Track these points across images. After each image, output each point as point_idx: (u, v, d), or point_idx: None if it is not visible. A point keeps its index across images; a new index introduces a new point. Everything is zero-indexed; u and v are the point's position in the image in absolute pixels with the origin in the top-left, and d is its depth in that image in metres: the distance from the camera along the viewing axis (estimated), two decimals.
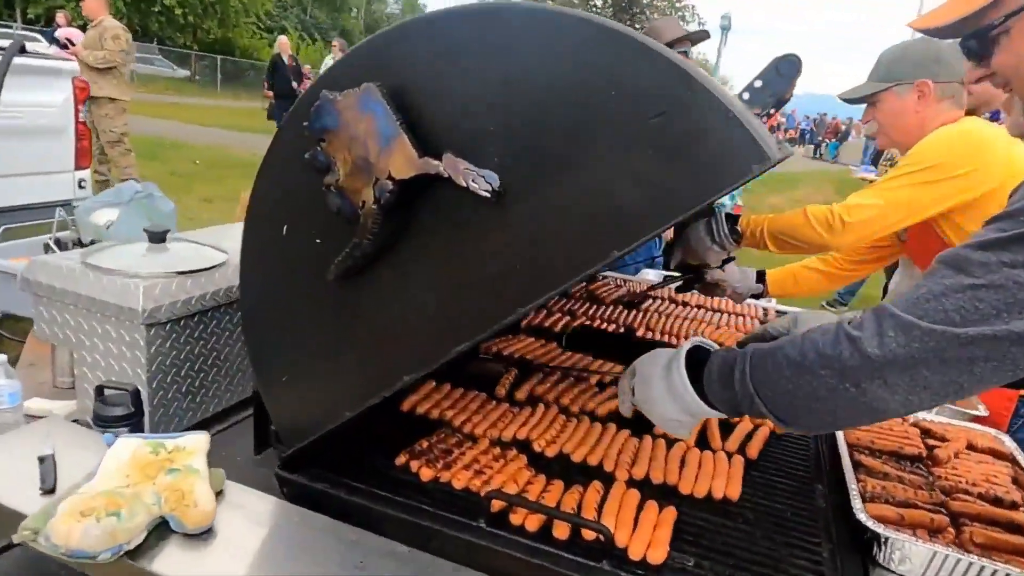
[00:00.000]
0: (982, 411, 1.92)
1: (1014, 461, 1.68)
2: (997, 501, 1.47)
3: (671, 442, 1.59)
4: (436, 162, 1.04)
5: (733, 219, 2.03)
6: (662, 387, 1.19)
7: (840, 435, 1.63)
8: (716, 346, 1.23)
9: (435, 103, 1.10)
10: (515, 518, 1.24)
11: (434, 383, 1.77)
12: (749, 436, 1.67)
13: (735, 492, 1.42)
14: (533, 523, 1.23)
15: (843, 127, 35.32)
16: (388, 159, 1.06)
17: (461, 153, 1.06)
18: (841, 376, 0.94)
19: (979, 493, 1.49)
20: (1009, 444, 1.72)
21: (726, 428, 1.71)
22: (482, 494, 1.26)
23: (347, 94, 1.07)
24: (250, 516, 1.26)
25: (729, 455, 1.57)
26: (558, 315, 2.49)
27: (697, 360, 1.17)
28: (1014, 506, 1.47)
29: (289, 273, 1.28)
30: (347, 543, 1.20)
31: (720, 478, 1.44)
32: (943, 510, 1.40)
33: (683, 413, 1.18)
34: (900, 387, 0.90)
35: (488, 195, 1.04)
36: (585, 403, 1.77)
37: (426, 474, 1.35)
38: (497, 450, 1.48)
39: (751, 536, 1.31)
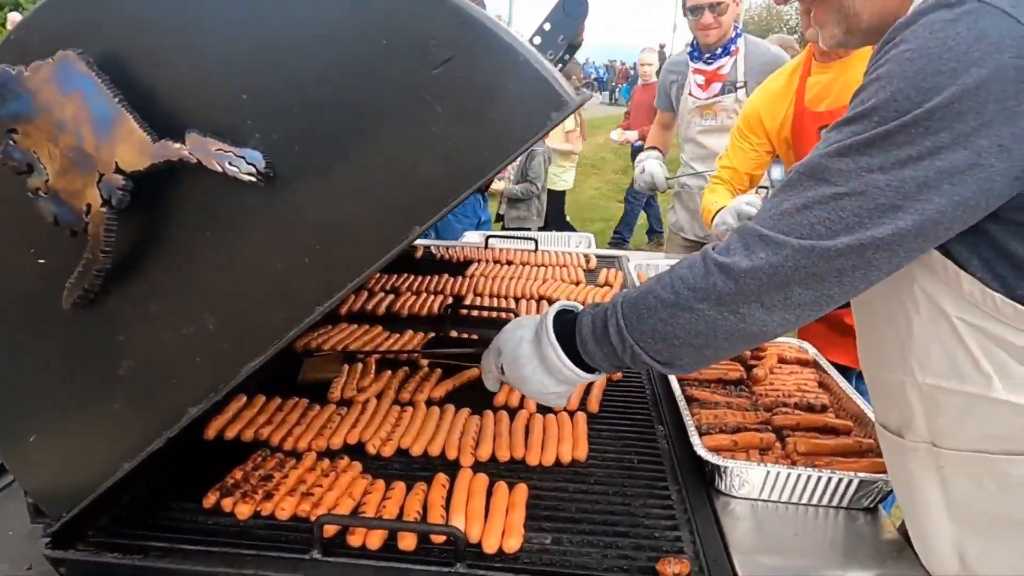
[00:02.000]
0: None
1: (816, 366, 1.83)
2: (810, 408, 1.58)
3: (512, 413, 1.52)
4: (178, 145, 0.83)
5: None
6: (535, 362, 1.12)
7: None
8: (579, 306, 1.15)
9: (168, 71, 0.88)
10: (354, 539, 1.10)
11: (244, 398, 1.54)
12: (587, 390, 1.66)
13: (582, 453, 1.39)
14: (375, 540, 1.10)
15: (631, 72, 37.74)
16: (112, 148, 0.83)
17: (212, 132, 0.86)
18: (718, 306, 0.92)
19: (795, 403, 1.59)
20: (812, 351, 1.87)
21: None
22: (312, 520, 1.10)
23: (36, 67, 0.81)
24: None
25: (571, 413, 1.54)
26: (380, 295, 2.33)
27: (562, 325, 1.11)
28: (824, 409, 1.60)
29: (9, 307, 1.00)
30: None
31: (566, 442, 1.40)
32: (768, 427, 1.48)
33: (560, 384, 1.13)
34: (776, 307, 0.89)
35: (254, 179, 0.85)
36: (419, 388, 1.65)
37: (243, 511, 1.16)
38: (326, 463, 1.31)
39: (604, 495, 1.29)
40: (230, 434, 1.42)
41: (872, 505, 1.32)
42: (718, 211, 2.21)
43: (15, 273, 0.97)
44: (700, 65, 3.24)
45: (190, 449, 1.39)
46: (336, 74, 0.85)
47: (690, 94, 3.32)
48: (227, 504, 1.17)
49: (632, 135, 6.84)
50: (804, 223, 0.86)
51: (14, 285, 0.97)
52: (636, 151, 7.05)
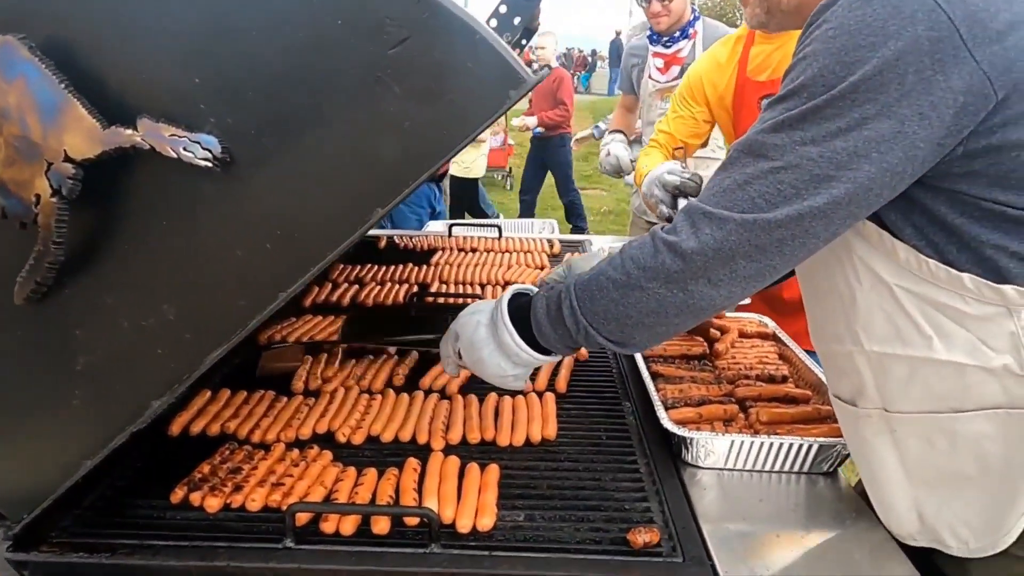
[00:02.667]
0: (746, 299, 2.12)
1: (776, 338, 1.88)
2: (771, 379, 1.63)
3: (482, 396, 1.53)
4: (129, 132, 0.82)
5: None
6: (491, 346, 1.13)
7: None
8: (534, 289, 1.17)
9: (115, 55, 0.86)
10: (327, 526, 1.10)
11: (209, 393, 1.52)
12: (555, 371, 1.68)
13: (552, 431, 1.41)
14: (349, 526, 1.10)
15: (589, 59, 37.82)
16: (60, 135, 0.81)
17: (165, 117, 0.84)
18: (667, 284, 0.95)
19: (756, 375, 1.64)
20: (771, 324, 1.92)
21: None
22: (283, 509, 1.10)
23: None
24: None
25: (540, 394, 1.55)
26: (344, 285, 2.31)
27: (517, 308, 1.12)
28: (784, 379, 1.64)
29: None
30: None
31: (535, 421, 1.42)
32: (731, 399, 1.52)
33: (517, 367, 1.14)
34: (723, 281, 0.92)
35: (210, 165, 0.84)
36: (386, 376, 1.64)
37: (212, 504, 1.14)
38: (296, 453, 1.30)
39: (574, 471, 1.31)
40: (195, 429, 1.40)
41: (831, 469, 1.36)
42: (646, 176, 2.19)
43: None
44: (659, 48, 3.28)
45: (154, 447, 1.36)
46: (291, 56, 0.84)
47: (650, 77, 3.37)
48: (195, 498, 1.16)
49: (532, 121, 6.82)
50: (745, 198, 0.89)
51: None
52: (536, 137, 7.07)
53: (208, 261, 0.92)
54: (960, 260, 0.91)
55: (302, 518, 1.11)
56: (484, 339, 1.14)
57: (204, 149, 0.83)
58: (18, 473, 1.04)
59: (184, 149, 0.82)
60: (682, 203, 2.03)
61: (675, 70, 3.22)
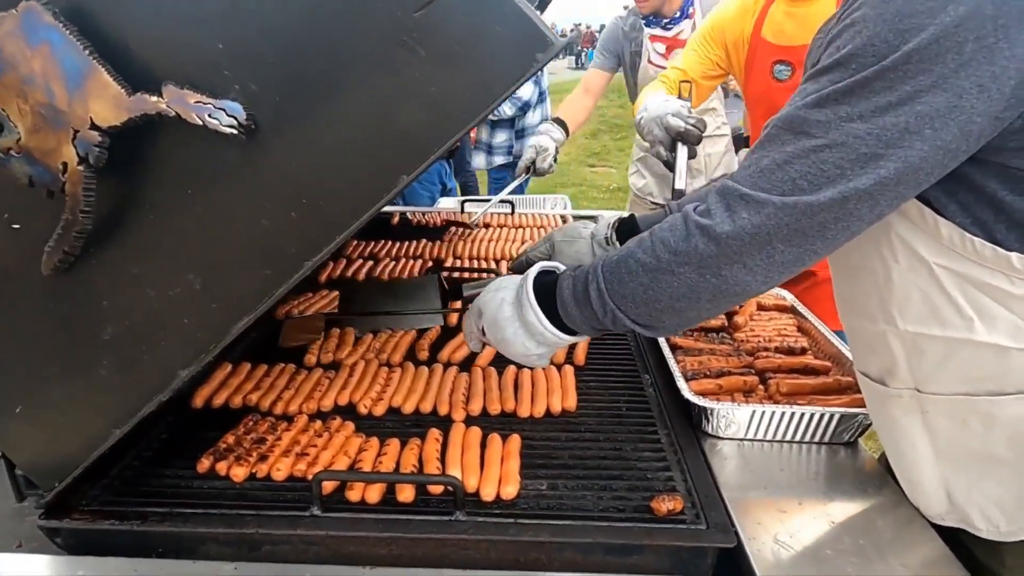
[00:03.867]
0: None
1: (794, 311, 1.87)
2: (790, 351, 1.62)
3: (501, 369, 1.53)
4: (154, 99, 0.81)
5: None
6: (516, 325, 1.10)
7: None
8: (561, 267, 1.14)
9: (139, 21, 0.85)
10: (352, 494, 1.11)
11: (229, 367, 1.53)
12: (574, 344, 1.67)
13: (572, 403, 1.41)
14: (374, 494, 1.11)
15: (597, 34, 37.36)
16: (85, 103, 0.81)
17: (189, 84, 0.84)
18: (700, 269, 0.91)
19: (776, 347, 1.63)
20: (789, 297, 1.91)
21: None
22: (309, 478, 1.11)
23: None
24: None
25: (559, 367, 1.55)
26: (359, 261, 2.31)
27: (543, 287, 1.09)
28: (804, 351, 1.64)
29: None
30: None
31: (555, 393, 1.42)
32: (751, 371, 1.51)
33: (541, 346, 1.11)
34: (759, 267, 0.88)
35: (235, 131, 0.83)
36: (405, 349, 1.65)
37: (238, 473, 1.16)
38: (319, 424, 1.31)
39: (595, 441, 1.31)
40: (218, 402, 1.41)
41: (852, 439, 1.36)
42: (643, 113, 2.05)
43: None
44: (658, 32, 3.07)
45: (178, 419, 1.38)
46: (315, 20, 0.83)
47: (650, 62, 3.16)
48: (222, 468, 1.17)
49: None
50: (785, 179, 0.84)
51: None
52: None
53: (233, 230, 0.92)
54: (1009, 239, 0.86)
55: (328, 486, 1.12)
56: (509, 318, 1.11)
57: (229, 116, 0.82)
58: (48, 443, 1.05)
59: (209, 116, 0.82)
60: (681, 149, 1.93)
61: (679, 53, 3.09)
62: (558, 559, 1.06)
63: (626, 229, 1.46)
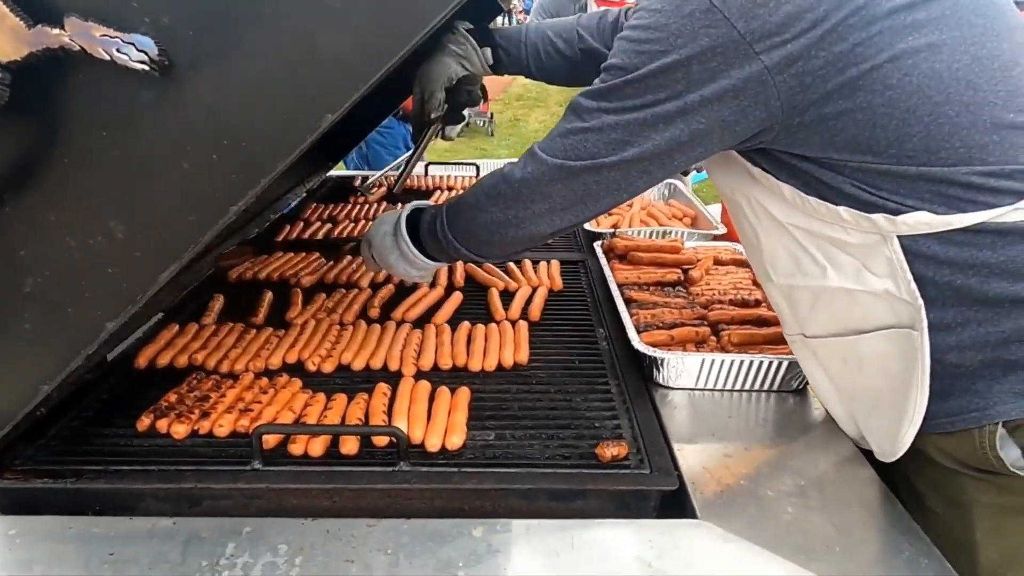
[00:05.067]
0: (721, 229, 2.11)
1: (750, 265, 1.87)
2: (744, 303, 1.63)
3: (455, 325, 1.52)
4: (56, 31, 0.77)
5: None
6: (396, 253, 1.32)
7: (611, 278, 1.68)
8: (431, 204, 1.34)
9: None
10: (295, 448, 1.10)
11: (176, 327, 1.50)
12: (529, 300, 1.67)
13: (524, 356, 1.41)
14: (318, 447, 1.10)
15: None
16: None
17: (96, 16, 0.79)
18: (503, 207, 1.12)
19: (730, 300, 1.64)
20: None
21: (507, 297, 1.69)
22: (251, 433, 1.09)
23: None
24: None
25: (513, 323, 1.54)
26: (317, 224, 2.27)
27: (414, 221, 1.31)
28: (757, 303, 1.64)
29: None
30: (87, 538, 0.96)
31: (507, 347, 1.41)
32: (704, 322, 1.52)
33: (420, 270, 1.34)
34: (543, 210, 1.08)
35: (147, 68, 0.79)
36: (358, 308, 1.63)
37: (179, 431, 1.14)
38: (265, 381, 1.29)
39: (546, 393, 1.31)
40: (162, 361, 1.38)
41: (800, 387, 1.37)
42: None
43: None
44: None
45: (121, 380, 1.35)
46: None
47: None
48: (162, 425, 1.15)
49: None
50: (560, 147, 1.05)
51: None
52: None
53: (153, 175, 0.89)
54: (832, 195, 0.98)
55: (270, 440, 1.11)
56: (390, 247, 1.32)
57: (139, 51, 0.78)
58: None
59: (117, 51, 0.78)
60: None
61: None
62: (503, 506, 1.06)
63: None
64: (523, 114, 11.15)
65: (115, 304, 0.94)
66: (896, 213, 0.94)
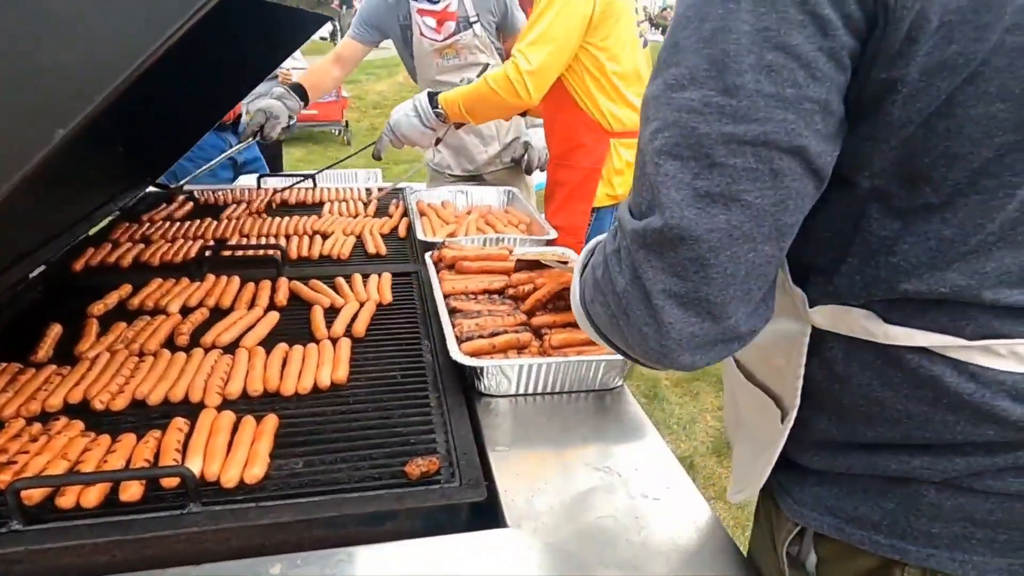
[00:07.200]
0: (553, 234, 2.17)
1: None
2: (566, 307, 1.67)
3: (269, 348, 1.44)
4: None
5: (432, 98, 2.28)
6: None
7: (437, 289, 1.67)
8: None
9: None
10: (64, 501, 0.98)
11: None
12: (355, 316, 1.61)
13: (343, 375, 1.36)
14: (92, 497, 0.98)
15: None
16: None
17: None
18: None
19: (552, 304, 1.67)
20: (573, 256, 1.97)
21: (333, 314, 1.63)
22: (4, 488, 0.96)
23: None
24: None
25: (334, 341, 1.49)
26: (127, 245, 2.07)
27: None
28: None
29: None
30: None
31: (325, 367, 1.35)
32: (527, 328, 1.54)
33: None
34: None
35: None
36: (164, 336, 1.50)
37: None
38: (37, 427, 1.15)
39: (363, 413, 1.27)
40: None
41: (621, 384, 1.43)
42: None
43: None
44: (425, 6, 2.92)
45: None
46: None
47: (423, 35, 3.00)
48: None
49: None
50: None
51: None
52: None
53: None
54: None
55: (34, 496, 0.98)
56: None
57: None
58: None
59: None
60: None
61: (450, 26, 2.91)
62: (308, 537, 1.01)
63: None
64: (380, 123, 10.96)
65: None
66: None
